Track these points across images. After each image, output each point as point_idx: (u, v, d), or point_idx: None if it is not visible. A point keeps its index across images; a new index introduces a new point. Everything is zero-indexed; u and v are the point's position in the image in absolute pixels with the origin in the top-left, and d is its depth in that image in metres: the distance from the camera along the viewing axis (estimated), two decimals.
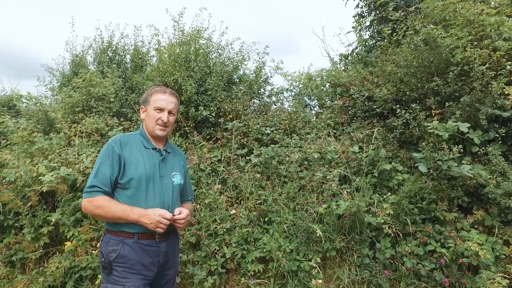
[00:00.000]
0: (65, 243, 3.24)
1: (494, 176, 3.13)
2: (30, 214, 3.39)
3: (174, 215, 1.76)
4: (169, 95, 1.91)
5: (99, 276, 2.99)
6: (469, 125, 3.24)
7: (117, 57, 6.96)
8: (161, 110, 1.86)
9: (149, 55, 6.99)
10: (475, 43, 3.66)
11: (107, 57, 6.77)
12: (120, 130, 4.40)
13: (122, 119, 4.97)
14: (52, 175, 3.29)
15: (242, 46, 5.63)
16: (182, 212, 1.78)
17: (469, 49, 3.53)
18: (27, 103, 5.79)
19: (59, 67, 7.07)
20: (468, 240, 2.91)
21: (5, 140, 4.30)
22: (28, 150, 3.93)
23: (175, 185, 1.90)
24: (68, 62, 6.97)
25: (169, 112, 1.89)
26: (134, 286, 1.70)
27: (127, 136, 1.89)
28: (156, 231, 1.71)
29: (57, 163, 3.63)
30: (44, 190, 3.30)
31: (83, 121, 4.53)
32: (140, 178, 1.75)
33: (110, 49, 6.96)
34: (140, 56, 6.84)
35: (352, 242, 3.29)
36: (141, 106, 1.97)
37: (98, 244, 3.20)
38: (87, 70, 6.08)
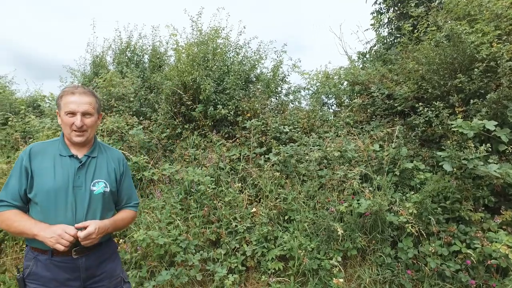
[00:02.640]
0: None
1: None
2: None
3: (76, 227, 1.55)
4: (80, 95, 1.66)
5: None
6: (496, 122, 3.14)
7: (135, 57, 7.08)
8: (73, 114, 1.64)
9: (166, 55, 7.08)
10: (504, 37, 3.55)
11: (126, 57, 6.89)
12: (140, 129, 4.48)
13: (141, 118, 5.06)
14: None
15: (260, 45, 5.64)
16: (86, 228, 1.55)
17: (496, 44, 3.42)
18: (50, 103, 5.96)
19: (80, 68, 7.25)
20: (496, 242, 2.83)
21: (31, 139, 4.43)
22: None
23: (95, 194, 1.67)
24: (89, 63, 7.13)
25: (84, 114, 1.66)
26: None
27: (41, 145, 1.70)
28: (55, 248, 1.49)
29: None
30: None
31: (104, 120, 4.62)
32: (48, 191, 1.58)
33: (128, 49, 7.08)
34: (158, 56, 6.94)
35: (374, 241, 3.25)
36: (56, 111, 1.76)
37: (121, 240, 3.27)
38: (107, 70, 6.21)
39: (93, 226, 1.57)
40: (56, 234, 1.49)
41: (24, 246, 3.56)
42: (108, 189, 1.73)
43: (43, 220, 1.57)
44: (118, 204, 1.86)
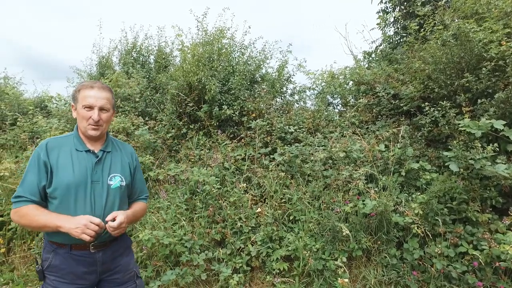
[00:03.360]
0: None
1: None
2: None
3: (106, 222, 1.58)
4: (98, 90, 1.68)
5: None
6: (504, 122, 3.10)
7: (141, 58, 7.12)
8: (90, 108, 1.66)
9: (172, 55, 7.11)
10: None
11: (132, 58, 6.94)
12: (145, 129, 4.51)
13: (147, 119, 5.09)
14: None
15: (265, 45, 5.64)
16: (115, 219, 1.58)
17: (505, 43, 3.38)
18: (57, 103, 6.02)
19: (86, 69, 7.31)
20: (504, 243, 2.79)
21: (39, 140, 4.49)
22: None
23: (113, 188, 1.70)
24: (95, 63, 7.19)
25: (101, 109, 1.67)
26: None
27: (56, 140, 1.71)
28: (81, 239, 1.49)
29: None
30: None
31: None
32: (68, 186, 1.59)
33: (134, 50, 7.13)
34: (163, 57, 6.97)
35: (379, 242, 3.23)
36: (71, 104, 1.76)
37: None
38: (113, 71, 6.26)
39: (123, 215, 1.61)
40: (81, 224, 1.49)
41: (32, 244, 3.61)
42: (124, 183, 1.76)
43: (66, 215, 1.58)
44: (131, 197, 1.89)
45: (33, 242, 3.59)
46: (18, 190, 1.61)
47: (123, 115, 4.90)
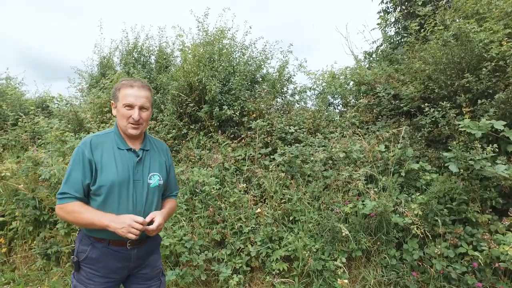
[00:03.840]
0: None
1: None
2: None
3: (146, 222, 1.63)
4: (138, 89, 1.69)
5: None
6: (504, 122, 3.09)
7: (142, 58, 7.14)
8: (130, 107, 1.67)
9: (173, 56, 7.13)
10: None
11: (133, 58, 6.95)
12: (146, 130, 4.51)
13: None
14: None
15: (265, 45, 5.64)
16: (154, 221, 1.63)
17: (505, 43, 3.37)
18: (58, 104, 6.04)
19: (87, 69, 7.34)
20: (504, 244, 2.79)
21: (40, 140, 4.51)
22: (61, 149, 4.10)
23: (152, 187, 1.74)
24: (96, 64, 7.22)
25: (141, 108, 1.69)
26: None
27: (99, 137, 1.73)
28: (127, 237, 1.54)
29: None
30: None
31: (111, 121, 4.67)
32: (112, 184, 1.62)
33: (135, 50, 7.14)
34: (164, 57, 6.98)
35: (378, 243, 3.23)
36: (111, 101, 1.79)
37: None
38: (114, 71, 6.28)
39: (160, 217, 1.66)
40: (126, 224, 1.53)
41: (33, 244, 3.63)
42: (162, 182, 1.80)
43: (108, 212, 1.61)
44: (164, 194, 1.93)
45: (34, 242, 3.61)
46: (63, 187, 1.64)
47: None
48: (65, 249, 3.44)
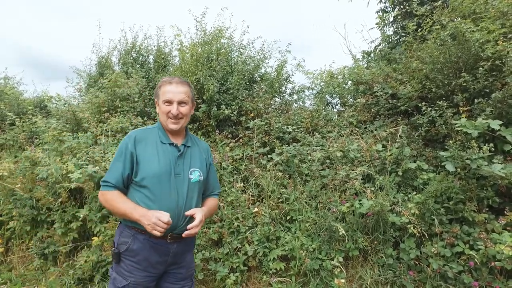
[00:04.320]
0: (93, 238, 3.36)
1: None
2: (61, 210, 3.54)
3: (186, 216, 1.71)
4: (176, 85, 1.78)
5: None
6: (501, 122, 3.10)
7: (140, 58, 7.14)
8: (169, 102, 1.76)
9: (171, 55, 7.13)
10: (510, 35, 3.50)
11: (131, 58, 6.95)
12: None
13: (146, 118, 5.09)
14: (80, 173, 3.41)
15: (263, 44, 5.65)
16: (195, 217, 1.69)
17: (502, 42, 3.38)
18: (56, 103, 6.04)
19: (86, 69, 7.33)
20: (500, 243, 2.79)
21: (37, 139, 4.50)
22: (58, 149, 4.09)
23: (192, 182, 1.79)
24: (95, 63, 7.22)
25: (180, 103, 1.77)
26: (136, 282, 1.71)
27: (143, 132, 1.82)
28: (153, 234, 1.60)
29: (84, 161, 3.77)
30: (73, 187, 3.43)
31: (109, 120, 4.67)
32: (154, 176, 1.69)
33: (134, 50, 7.14)
34: (162, 57, 6.98)
35: (376, 242, 3.23)
36: (155, 99, 1.89)
37: None
38: (112, 71, 6.27)
39: (201, 213, 1.72)
40: (151, 222, 1.58)
41: (31, 244, 3.62)
42: (202, 178, 1.86)
43: (151, 203, 1.68)
44: (205, 193, 1.98)
45: (31, 242, 3.61)
46: (106, 175, 1.74)
47: (122, 115, 4.91)
48: (62, 248, 3.44)
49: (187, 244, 1.85)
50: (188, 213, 1.70)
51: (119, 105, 5.09)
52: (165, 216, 1.60)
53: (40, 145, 4.39)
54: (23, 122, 5.00)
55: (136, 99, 5.31)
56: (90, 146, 4.22)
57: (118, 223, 1.85)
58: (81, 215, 3.39)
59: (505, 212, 3.11)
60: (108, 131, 4.48)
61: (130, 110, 5.12)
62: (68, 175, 3.47)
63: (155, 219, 1.58)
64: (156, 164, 1.71)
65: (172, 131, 1.81)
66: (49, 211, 3.61)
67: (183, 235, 1.69)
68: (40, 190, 3.57)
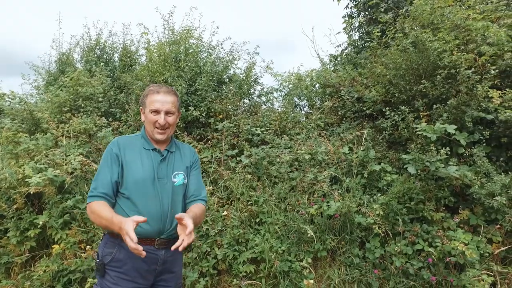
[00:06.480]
0: (53, 246, 3.18)
1: (479, 177, 3.22)
2: (16, 217, 3.32)
3: (176, 218, 1.53)
4: (164, 95, 1.76)
5: (89, 279, 2.95)
6: (455, 126, 3.32)
7: (105, 56, 6.85)
8: (157, 112, 1.75)
9: (138, 54, 6.91)
10: (462, 47, 3.75)
11: (95, 55, 6.65)
12: (109, 131, 4.34)
13: (111, 119, 4.90)
14: (39, 177, 3.22)
15: (232, 46, 5.62)
16: (186, 224, 1.49)
17: (456, 53, 3.61)
18: (10, 101, 5.63)
19: (45, 65, 6.91)
20: (455, 240, 2.99)
21: None
22: (13, 151, 3.83)
23: (177, 186, 1.78)
24: (55, 60, 6.82)
25: (167, 113, 1.76)
26: None
27: (127, 138, 1.84)
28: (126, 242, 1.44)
29: (44, 164, 3.56)
30: (31, 192, 3.23)
31: (71, 121, 4.44)
32: (137, 181, 1.68)
33: (98, 47, 6.84)
34: (129, 55, 6.75)
35: (343, 242, 3.33)
36: (140, 107, 1.87)
37: (88, 246, 3.16)
38: (74, 68, 5.97)
39: (190, 220, 1.51)
40: (122, 230, 1.44)
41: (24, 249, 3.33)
42: (186, 181, 1.84)
43: (137, 209, 1.65)
44: (187, 197, 1.86)
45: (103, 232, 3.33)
46: (92, 185, 1.70)
47: (85, 116, 4.69)
48: (17, 259, 3.22)
49: (175, 251, 1.73)
50: (178, 216, 1.55)
51: (82, 105, 4.86)
52: (129, 227, 1.43)
53: None
54: None
55: (100, 99, 5.10)
56: (50, 148, 3.99)
57: (103, 235, 1.79)
58: (40, 222, 3.19)
59: (459, 210, 3.33)
60: (70, 132, 4.25)
61: (94, 111, 4.91)
62: (25, 179, 3.26)
63: (125, 231, 1.42)
64: (139, 169, 1.71)
65: (157, 141, 1.80)
66: (2, 218, 3.37)
67: (180, 249, 1.50)
68: None
